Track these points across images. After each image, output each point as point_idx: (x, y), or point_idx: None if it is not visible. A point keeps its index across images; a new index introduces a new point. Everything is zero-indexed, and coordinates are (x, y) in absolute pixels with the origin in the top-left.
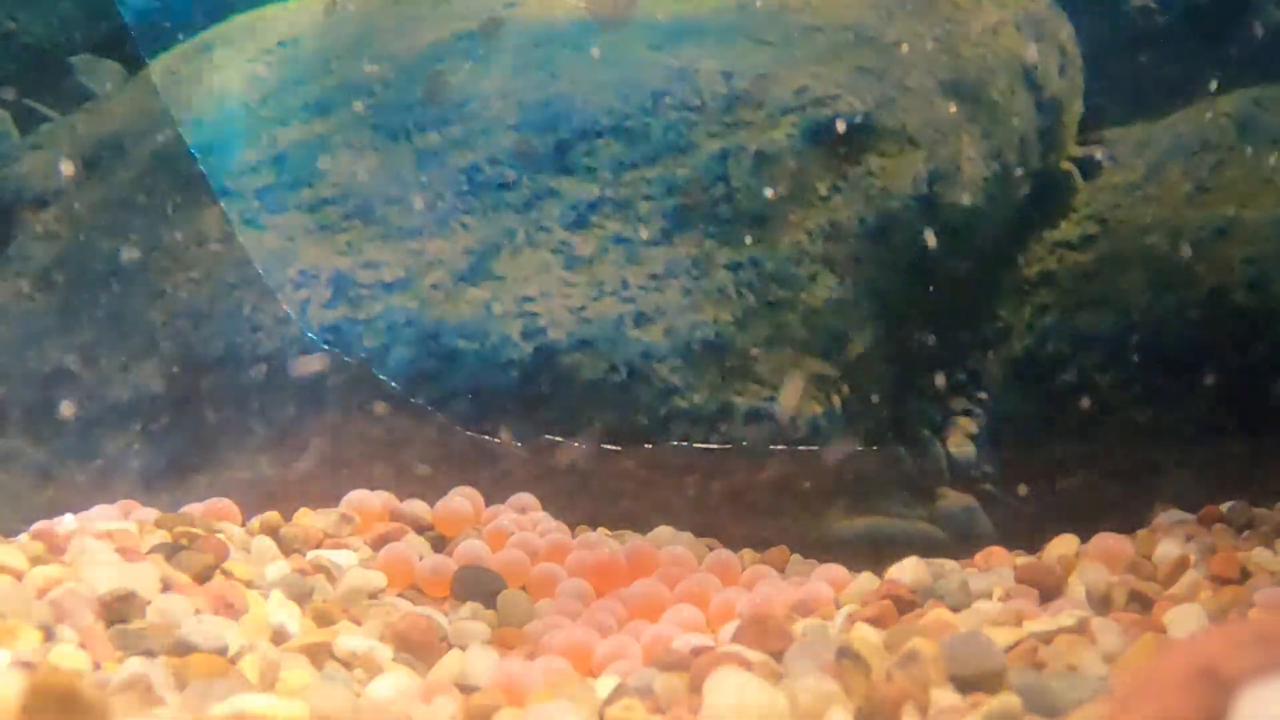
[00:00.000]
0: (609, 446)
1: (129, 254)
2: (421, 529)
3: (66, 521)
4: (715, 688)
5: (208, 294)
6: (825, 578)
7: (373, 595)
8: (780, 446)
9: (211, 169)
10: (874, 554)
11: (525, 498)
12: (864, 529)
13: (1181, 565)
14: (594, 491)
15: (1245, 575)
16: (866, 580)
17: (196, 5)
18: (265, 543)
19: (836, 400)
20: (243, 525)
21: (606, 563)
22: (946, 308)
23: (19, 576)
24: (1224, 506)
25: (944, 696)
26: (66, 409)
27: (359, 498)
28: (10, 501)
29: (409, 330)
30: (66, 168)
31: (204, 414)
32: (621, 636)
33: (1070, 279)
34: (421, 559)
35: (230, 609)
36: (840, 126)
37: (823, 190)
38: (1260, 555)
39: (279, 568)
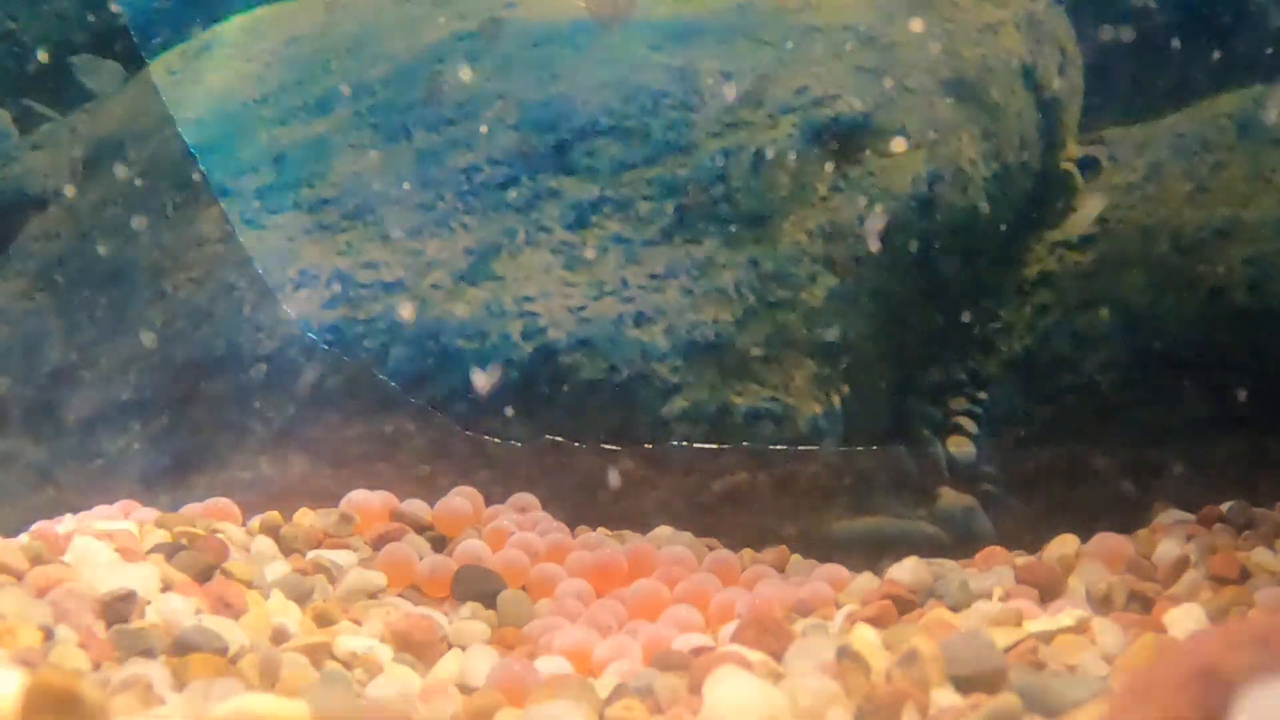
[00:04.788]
0: (609, 446)
1: (129, 254)
2: (421, 529)
3: (66, 521)
4: (715, 688)
5: (208, 294)
6: (825, 578)
7: (373, 595)
8: (780, 446)
9: (211, 169)
10: (874, 554)
11: (525, 498)
12: (864, 529)
13: (1181, 565)
14: (594, 491)
15: (1245, 575)
16: (866, 580)
17: (196, 5)
18: (265, 543)
19: (836, 400)
20: (243, 525)
21: (606, 563)
22: (946, 308)
23: (19, 576)
24: (1224, 506)
25: (944, 696)
26: (67, 409)
27: (359, 498)
28: (10, 501)
29: (409, 330)
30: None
31: (204, 414)
32: (621, 636)
33: (1070, 279)
34: (421, 559)
35: (230, 609)
36: (840, 127)
37: (823, 190)
38: (1260, 555)
39: (279, 568)
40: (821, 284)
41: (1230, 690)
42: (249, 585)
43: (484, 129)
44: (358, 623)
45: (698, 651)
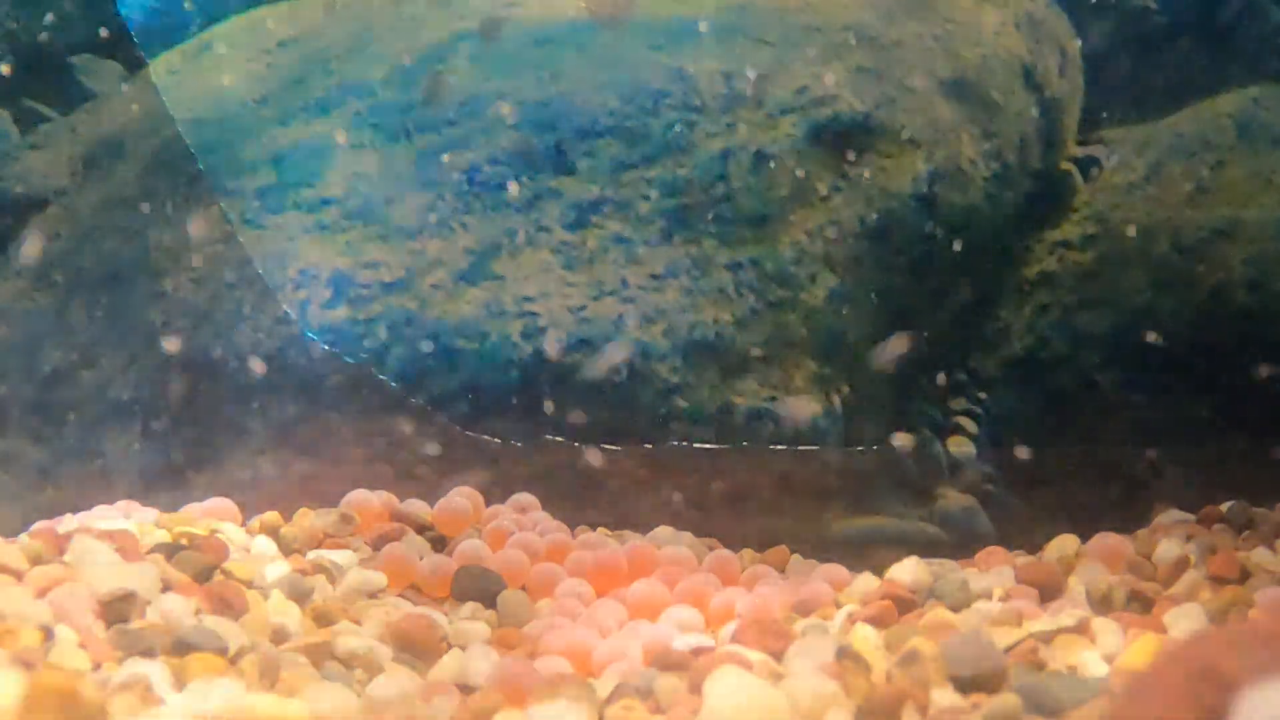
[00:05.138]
0: (609, 446)
1: (129, 254)
2: (421, 529)
3: (66, 521)
4: (715, 688)
5: (208, 294)
6: (825, 578)
7: (373, 595)
8: (780, 446)
9: (211, 169)
10: (874, 554)
11: (525, 498)
12: (864, 529)
13: (1181, 565)
14: (594, 491)
15: (1245, 575)
16: (866, 580)
17: (196, 5)
18: (265, 543)
19: (836, 400)
20: (243, 525)
21: (606, 563)
22: (946, 307)
23: (19, 576)
24: (1224, 506)
25: (944, 696)
26: (67, 409)
27: (359, 498)
28: (10, 501)
29: (409, 330)
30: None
31: (204, 414)
32: (621, 636)
33: (1070, 279)
34: (421, 559)
35: (230, 609)
36: (840, 127)
37: (823, 190)
38: (1260, 555)
39: (279, 568)
40: (821, 284)
41: (1230, 690)
42: (249, 585)
43: (482, 135)
44: (358, 623)
45: (698, 651)
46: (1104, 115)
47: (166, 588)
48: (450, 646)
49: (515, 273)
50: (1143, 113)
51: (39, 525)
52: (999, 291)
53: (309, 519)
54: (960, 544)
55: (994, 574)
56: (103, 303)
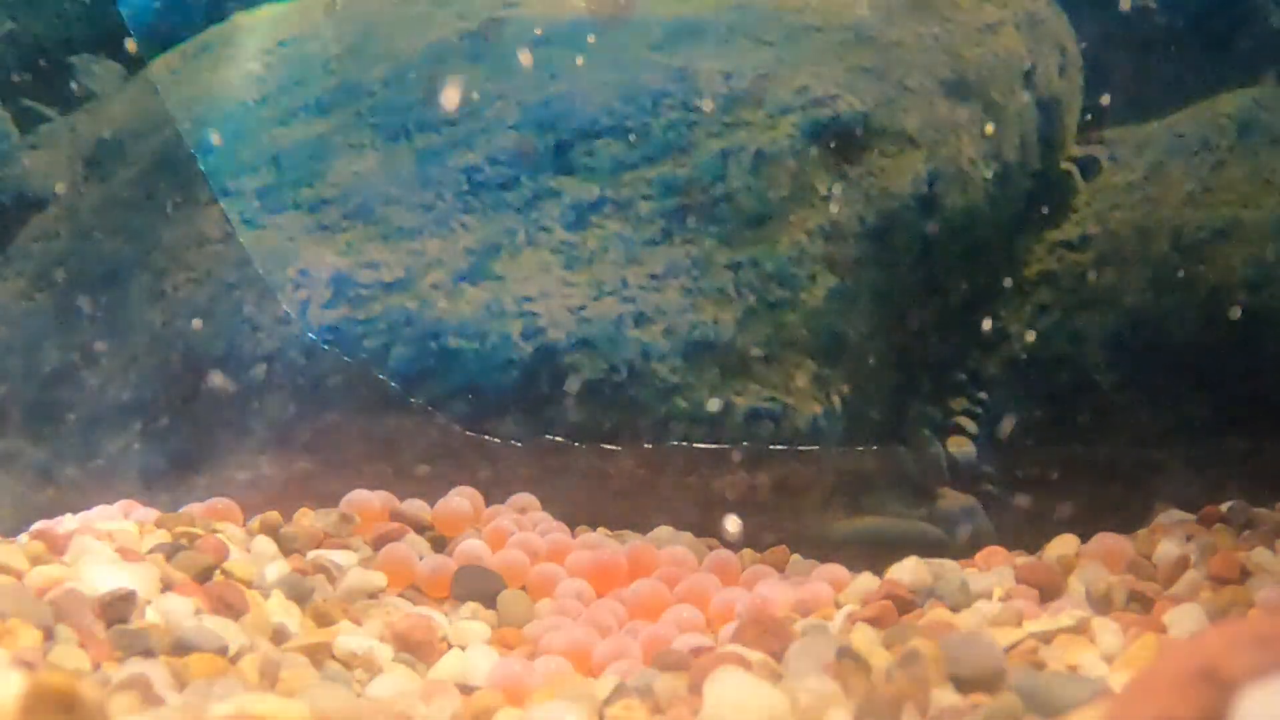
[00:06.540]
0: (609, 446)
1: (129, 254)
2: (421, 529)
3: (66, 521)
4: (715, 688)
5: (208, 294)
6: (825, 578)
7: (373, 595)
8: (780, 446)
9: (211, 169)
10: (874, 554)
11: (525, 498)
12: (864, 529)
13: (1181, 565)
14: (594, 491)
15: (1245, 575)
16: (866, 580)
17: (196, 5)
18: (265, 543)
19: (836, 400)
20: (243, 525)
21: (606, 563)
22: (947, 308)
23: (19, 576)
24: (1224, 506)
25: (944, 696)
26: (66, 409)
27: (359, 498)
28: (10, 501)
29: (409, 330)
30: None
31: (204, 414)
32: (621, 636)
33: (1070, 279)
34: (421, 559)
35: (230, 609)
36: (840, 127)
37: (823, 190)
38: (1260, 555)
39: (279, 568)
40: (821, 284)
41: (1230, 690)
42: (249, 585)
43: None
44: (358, 623)
45: (698, 651)
46: (1104, 115)
47: (166, 588)
48: (450, 646)
49: (515, 273)
50: (1143, 113)
51: (39, 525)
52: (999, 291)
53: (309, 519)
54: (960, 544)
55: (994, 574)
56: (103, 303)
